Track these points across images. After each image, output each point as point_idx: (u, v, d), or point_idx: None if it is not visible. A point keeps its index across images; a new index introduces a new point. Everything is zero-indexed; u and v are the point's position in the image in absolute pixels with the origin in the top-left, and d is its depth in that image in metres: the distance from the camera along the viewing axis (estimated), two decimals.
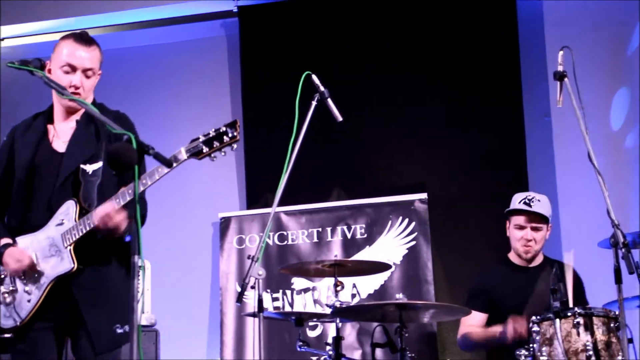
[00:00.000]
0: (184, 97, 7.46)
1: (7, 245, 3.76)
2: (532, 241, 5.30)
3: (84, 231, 3.62)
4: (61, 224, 3.70)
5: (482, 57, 6.88)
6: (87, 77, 3.82)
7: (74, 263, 3.65)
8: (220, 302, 6.79)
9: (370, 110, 6.96)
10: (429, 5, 7.07)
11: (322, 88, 4.43)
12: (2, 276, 3.80)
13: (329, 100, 4.43)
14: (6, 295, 3.76)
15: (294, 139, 4.31)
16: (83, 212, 3.66)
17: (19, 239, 3.78)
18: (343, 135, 6.70)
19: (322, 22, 7.27)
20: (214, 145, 3.23)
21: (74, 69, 3.80)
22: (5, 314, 3.74)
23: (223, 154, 3.25)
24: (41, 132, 3.89)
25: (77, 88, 3.78)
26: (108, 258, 3.75)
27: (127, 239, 3.64)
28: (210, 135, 3.25)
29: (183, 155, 3.32)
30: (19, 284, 3.74)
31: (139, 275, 2.82)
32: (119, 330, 3.65)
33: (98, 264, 3.72)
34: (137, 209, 2.84)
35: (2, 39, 7.82)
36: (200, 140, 3.26)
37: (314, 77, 4.43)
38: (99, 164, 3.73)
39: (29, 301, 3.70)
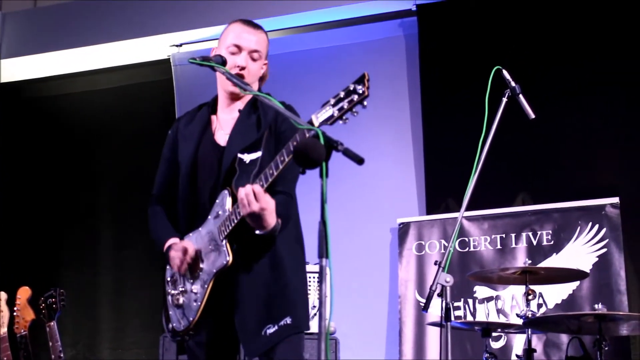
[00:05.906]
0: None
1: (172, 245, 3.65)
2: None
3: (236, 221, 3.44)
4: (217, 216, 3.54)
5: None
6: (253, 59, 3.73)
7: (228, 256, 3.47)
8: (399, 310, 6.59)
9: (557, 109, 6.53)
10: None
11: (513, 83, 4.21)
12: (175, 278, 3.70)
13: (521, 97, 4.20)
14: (178, 297, 3.65)
15: (483, 138, 4.08)
16: (236, 202, 3.44)
17: (186, 238, 3.66)
18: (528, 134, 6.34)
19: (504, 17, 6.93)
20: (344, 107, 2.93)
21: (240, 49, 3.73)
22: (178, 315, 3.65)
23: (355, 114, 2.96)
24: (204, 123, 3.79)
25: (242, 68, 3.69)
26: (258, 253, 3.54)
27: None
28: (340, 96, 2.94)
29: (315, 124, 3.02)
30: (187, 285, 3.63)
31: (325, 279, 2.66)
32: (270, 331, 3.48)
33: (250, 259, 3.54)
34: (324, 209, 2.67)
35: (180, 45, 7.91)
36: (331, 103, 2.96)
37: (505, 72, 4.21)
38: (258, 154, 3.57)
39: (195, 301, 3.58)
